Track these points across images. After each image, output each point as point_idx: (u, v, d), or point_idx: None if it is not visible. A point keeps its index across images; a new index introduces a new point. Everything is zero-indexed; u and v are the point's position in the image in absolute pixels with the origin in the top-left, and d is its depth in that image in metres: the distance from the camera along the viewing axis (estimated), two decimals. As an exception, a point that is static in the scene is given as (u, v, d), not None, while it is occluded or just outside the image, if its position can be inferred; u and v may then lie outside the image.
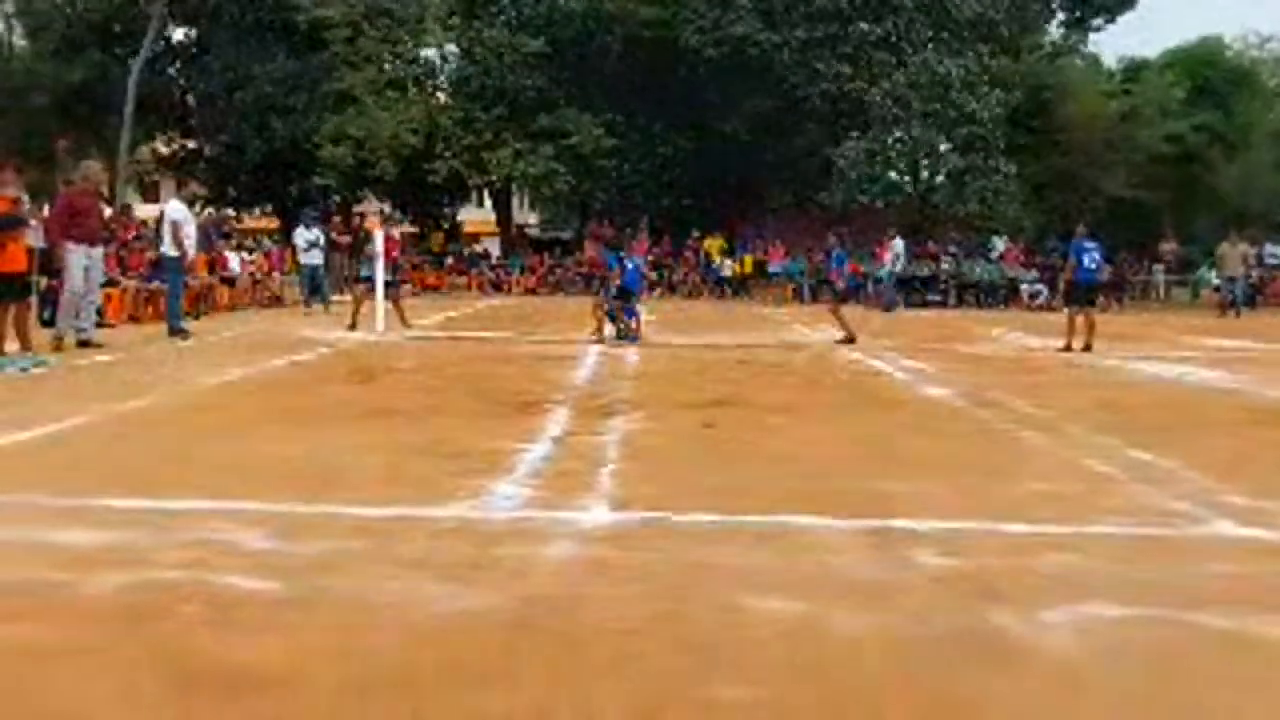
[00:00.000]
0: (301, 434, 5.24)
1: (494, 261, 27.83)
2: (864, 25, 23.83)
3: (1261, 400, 7.38)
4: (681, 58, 25.22)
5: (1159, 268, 26.08)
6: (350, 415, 5.84)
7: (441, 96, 28.11)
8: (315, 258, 16.56)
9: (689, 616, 2.66)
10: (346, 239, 20.11)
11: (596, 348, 10.44)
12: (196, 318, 13.33)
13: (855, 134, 24.04)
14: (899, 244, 20.72)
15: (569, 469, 4.47)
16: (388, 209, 27.92)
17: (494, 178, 26.28)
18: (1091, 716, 2.20)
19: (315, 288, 16.33)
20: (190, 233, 11.62)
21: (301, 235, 16.94)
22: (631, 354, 9.95)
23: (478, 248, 30.89)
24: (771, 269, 24.03)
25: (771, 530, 3.50)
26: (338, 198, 27.90)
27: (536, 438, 5.21)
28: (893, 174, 24.14)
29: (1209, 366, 9.62)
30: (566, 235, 33.28)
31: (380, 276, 12.46)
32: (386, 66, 25.66)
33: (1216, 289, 22.90)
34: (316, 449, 4.81)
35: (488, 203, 33.72)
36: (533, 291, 24.89)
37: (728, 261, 24.79)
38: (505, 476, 4.28)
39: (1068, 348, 10.93)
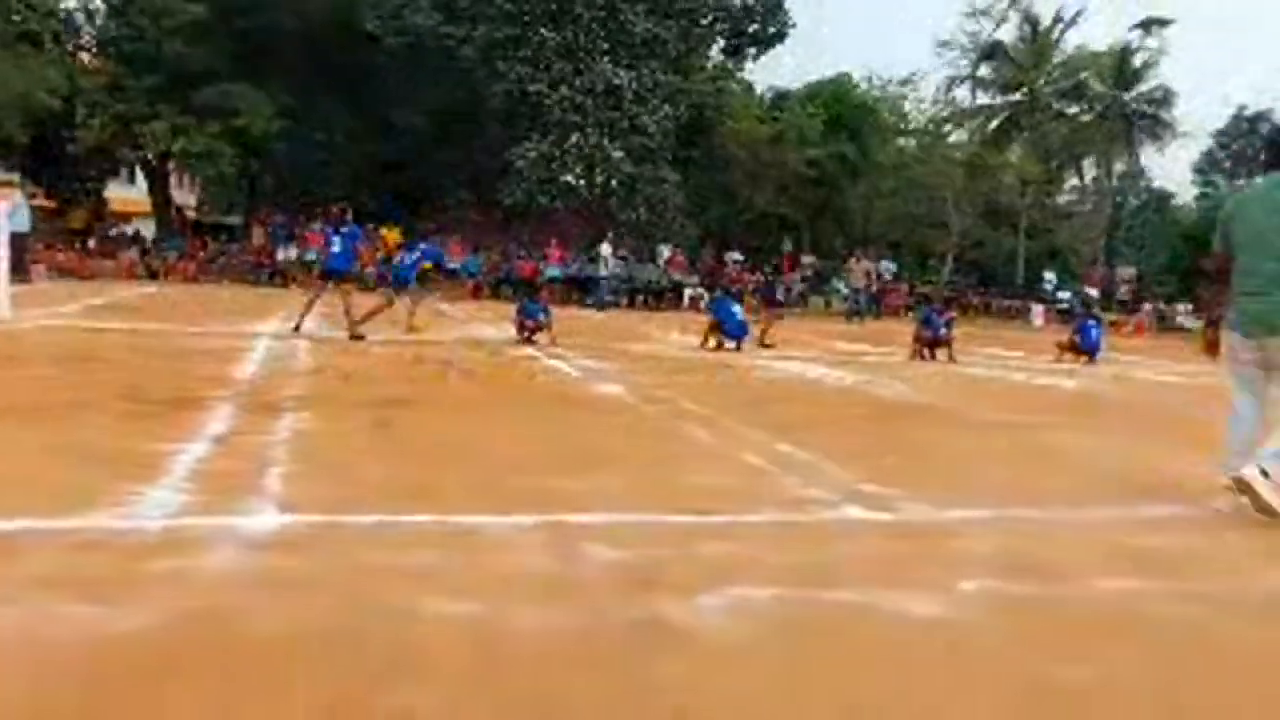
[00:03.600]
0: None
1: (147, 245, 25.20)
2: (544, 31, 24.32)
3: (878, 398, 8.46)
4: (362, 44, 24.35)
5: (795, 277, 29.01)
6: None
7: (86, 57, 25.01)
8: None
9: (363, 623, 2.59)
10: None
11: (264, 341, 9.81)
12: None
13: (534, 136, 24.48)
14: (606, 248, 21.64)
15: (232, 470, 4.18)
16: (16, 178, 24.38)
17: (148, 153, 23.79)
18: (748, 686, 2.42)
19: None
20: None
21: None
22: (303, 349, 9.46)
23: (128, 229, 27.79)
24: (450, 265, 23.84)
25: (448, 530, 3.50)
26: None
27: (196, 437, 4.81)
28: (569, 177, 24.88)
29: (838, 368, 10.86)
30: (231, 220, 30.90)
31: (5, 250, 10.89)
32: (15, 17, 22.43)
33: (845, 299, 25.89)
34: (-85, 455, 4.13)
35: (141, 180, 30.44)
36: (194, 280, 22.86)
37: (406, 255, 24.24)
38: (159, 480, 3.91)
39: (719, 346, 12.10)
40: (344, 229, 11.23)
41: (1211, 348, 4.83)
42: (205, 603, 2.64)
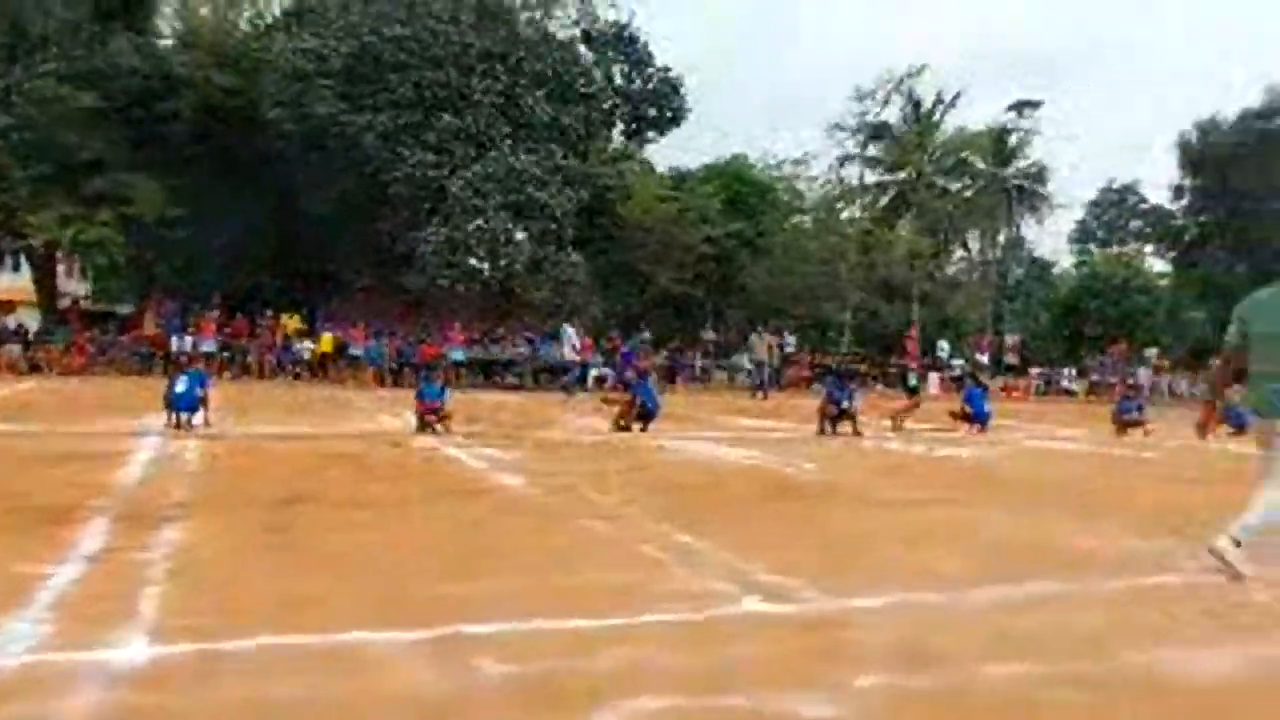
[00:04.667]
0: None
1: (30, 337, 24.10)
2: (446, 116, 24.53)
3: (781, 477, 8.55)
4: (261, 130, 24.14)
5: (698, 354, 29.47)
6: None
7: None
8: None
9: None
10: None
11: (152, 439, 9.43)
12: None
13: (437, 219, 24.50)
14: (569, 330, 21.64)
15: (102, 593, 3.95)
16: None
17: (33, 242, 22.96)
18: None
19: None
20: None
21: None
22: (192, 448, 9.11)
23: (10, 320, 26.52)
24: (353, 350, 23.47)
25: (334, 650, 3.36)
26: None
27: (67, 557, 4.54)
28: (473, 260, 24.89)
29: (741, 446, 10.95)
30: (123, 309, 29.86)
31: None
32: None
33: (748, 373, 26.31)
34: None
35: (26, 269, 29.25)
36: (80, 372, 21.91)
37: (307, 342, 23.79)
38: (19, 610, 3.67)
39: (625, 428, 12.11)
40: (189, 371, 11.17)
41: (1202, 430, 5.40)
42: (58, 755, 2.46)
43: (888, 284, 35.46)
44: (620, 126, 33.32)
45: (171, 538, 5.09)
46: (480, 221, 24.19)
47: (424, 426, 11.41)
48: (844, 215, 40.20)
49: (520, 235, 25.55)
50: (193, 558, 4.67)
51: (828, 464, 9.64)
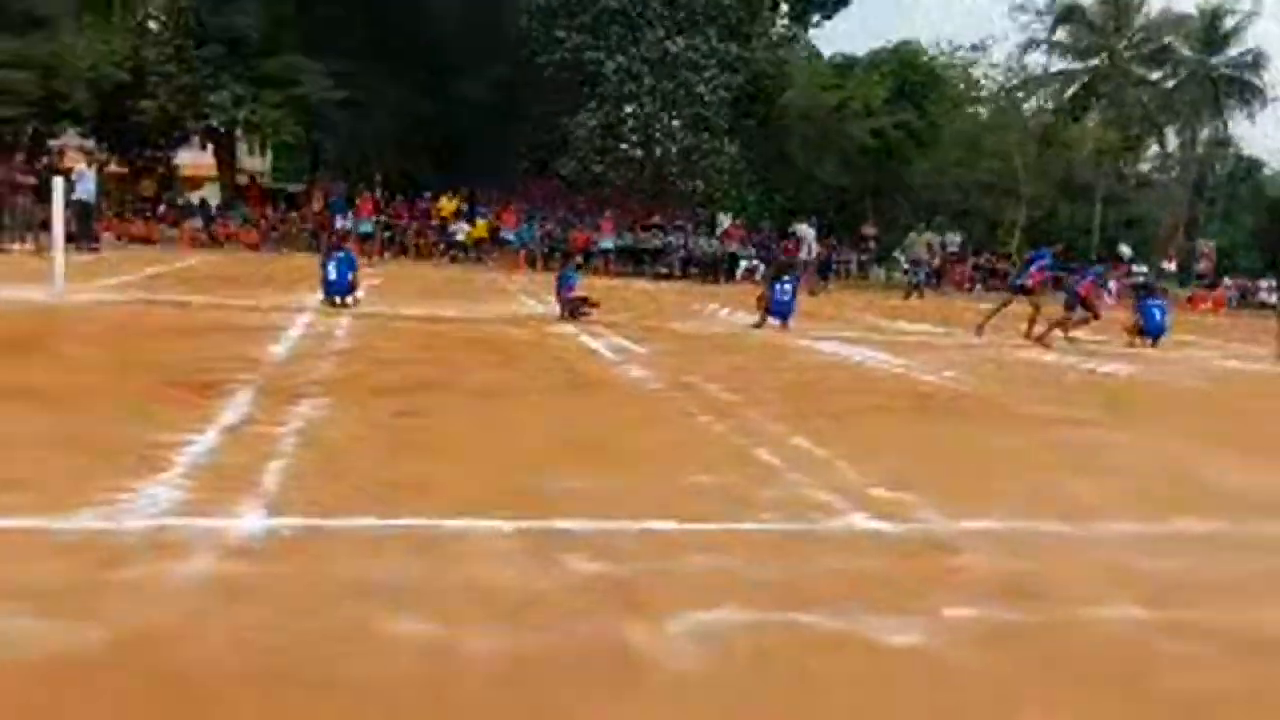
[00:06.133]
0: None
1: (212, 212, 25.72)
2: (602, -3, 24.09)
3: (915, 383, 8.22)
4: (422, 11, 24.38)
5: (854, 251, 28.50)
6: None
7: (154, 25, 25.47)
8: None
9: (311, 647, 2.55)
10: (30, 180, 17.83)
11: (306, 317, 9.92)
12: None
13: (591, 106, 24.34)
14: (809, 230, 21.37)
15: (232, 464, 4.18)
16: (90, 145, 25.13)
17: (213, 122, 24.28)
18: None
19: None
20: None
21: None
22: (340, 326, 9.53)
23: (194, 196, 28.37)
24: (505, 235, 23.92)
25: (430, 536, 3.45)
26: (29, 129, 24.66)
27: (208, 427, 4.84)
28: (624, 146, 24.69)
29: (887, 350, 10.58)
30: (294, 187, 31.37)
31: (60, 222, 11.12)
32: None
33: (905, 272, 25.36)
34: (-71, 444, 4.22)
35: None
36: (255, 247, 23.29)
37: (462, 223, 24.39)
38: (157, 475, 3.93)
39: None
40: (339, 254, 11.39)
41: None
42: (155, 622, 2.62)
43: (1068, 181, 33.06)
44: (785, 9, 31.82)
45: (305, 414, 5.34)
46: (633, 108, 23.87)
47: (565, 313, 11.55)
48: (1025, 107, 37.44)
49: (675, 123, 25.09)
50: (319, 436, 4.88)
51: (973, 374, 9.20)
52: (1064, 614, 3.09)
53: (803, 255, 21.57)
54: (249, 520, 3.49)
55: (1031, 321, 12.86)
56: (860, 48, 32.08)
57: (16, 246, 16.56)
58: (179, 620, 2.64)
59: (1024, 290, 13.16)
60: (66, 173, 17.61)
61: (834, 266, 25.61)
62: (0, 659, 2.36)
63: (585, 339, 9.79)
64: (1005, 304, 13.15)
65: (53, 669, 2.34)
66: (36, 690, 2.24)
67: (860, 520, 4.03)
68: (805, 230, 21.97)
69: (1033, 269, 13.19)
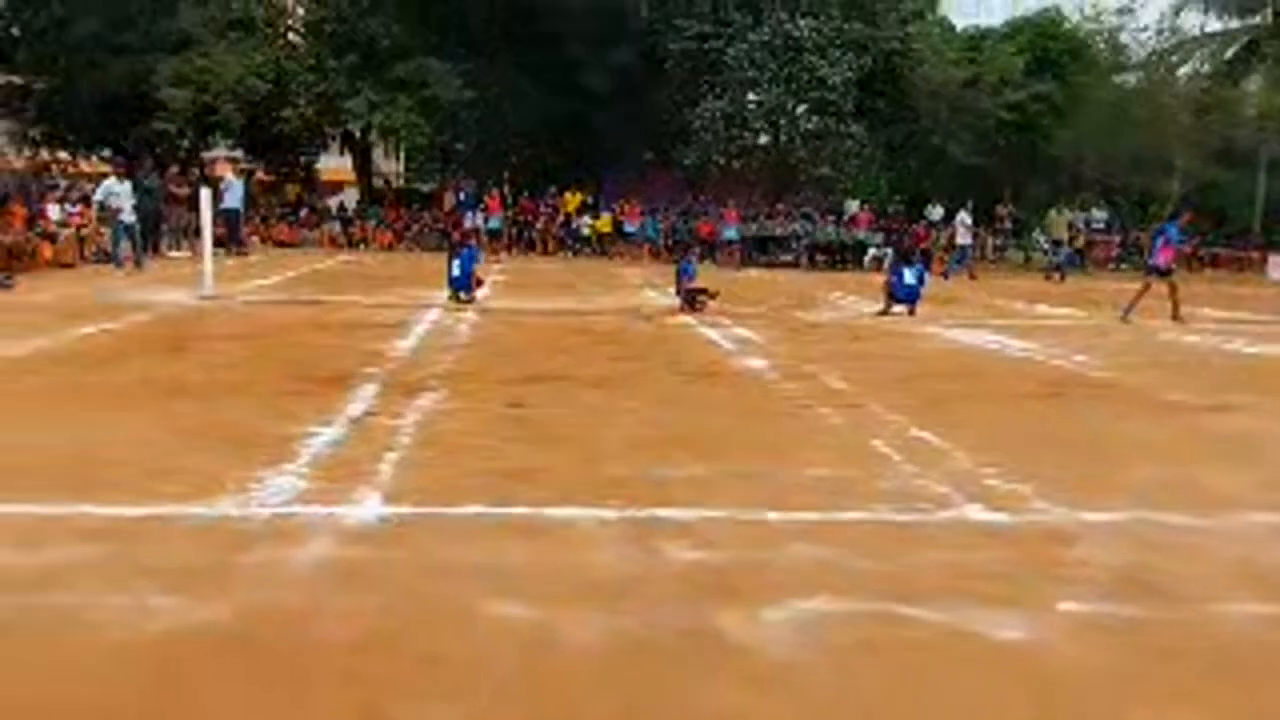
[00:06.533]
0: (81, 417, 4.98)
1: (350, 214, 26.90)
2: (723, -17, 23.89)
3: (1046, 369, 7.87)
4: (544, 7, 24.78)
5: (991, 232, 27.38)
6: (139, 394, 5.58)
7: (294, 39, 26.79)
8: (129, 216, 15.35)
9: (419, 628, 2.67)
10: (185, 190, 19.07)
11: (433, 313, 10.28)
12: (9, 278, 12.13)
13: (713, 94, 24.22)
14: (966, 217, 21.23)
15: (354, 455, 4.40)
16: (239, 155, 26.71)
17: (350, 127, 25.35)
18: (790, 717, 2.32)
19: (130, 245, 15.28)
20: None
21: (111, 189, 15.38)
22: (464, 321, 9.83)
23: (332, 201, 29.74)
24: (628, 228, 24.08)
25: (537, 523, 3.55)
26: (184, 143, 26.38)
27: (334, 419, 5.10)
28: (748, 135, 24.44)
29: (1019, 336, 10.16)
30: (426, 187, 32.46)
31: (208, 229, 11.87)
32: (234, 4, 24.33)
33: (1044, 253, 24.25)
34: (88, 435, 4.59)
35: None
36: (390, 247, 24.24)
37: (586, 219, 24.69)
38: (284, 466, 4.18)
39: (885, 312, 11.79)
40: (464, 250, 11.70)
41: None
42: (277, 601, 2.79)
43: (1228, 150, 30.82)
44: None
45: (424, 406, 5.55)
46: (757, 95, 23.60)
47: (685, 305, 11.57)
48: (1179, 72, 35.08)
49: (800, 108, 24.69)
50: (437, 428, 5.07)
51: (1110, 359, 8.75)
52: (1185, 610, 2.94)
53: (961, 240, 21.17)
54: (366, 508, 3.67)
55: (1174, 302, 12.24)
56: (997, 19, 30.73)
57: (174, 253, 17.76)
58: (299, 600, 2.80)
59: (1158, 271, 12.48)
60: (217, 182, 18.79)
61: (972, 248, 24.69)
62: (138, 631, 2.57)
63: (704, 329, 9.79)
64: (1146, 287, 12.46)
65: (184, 641, 2.52)
66: (169, 660, 2.42)
67: (974, 512, 3.92)
68: (962, 217, 21.38)
69: (1160, 246, 12.52)
